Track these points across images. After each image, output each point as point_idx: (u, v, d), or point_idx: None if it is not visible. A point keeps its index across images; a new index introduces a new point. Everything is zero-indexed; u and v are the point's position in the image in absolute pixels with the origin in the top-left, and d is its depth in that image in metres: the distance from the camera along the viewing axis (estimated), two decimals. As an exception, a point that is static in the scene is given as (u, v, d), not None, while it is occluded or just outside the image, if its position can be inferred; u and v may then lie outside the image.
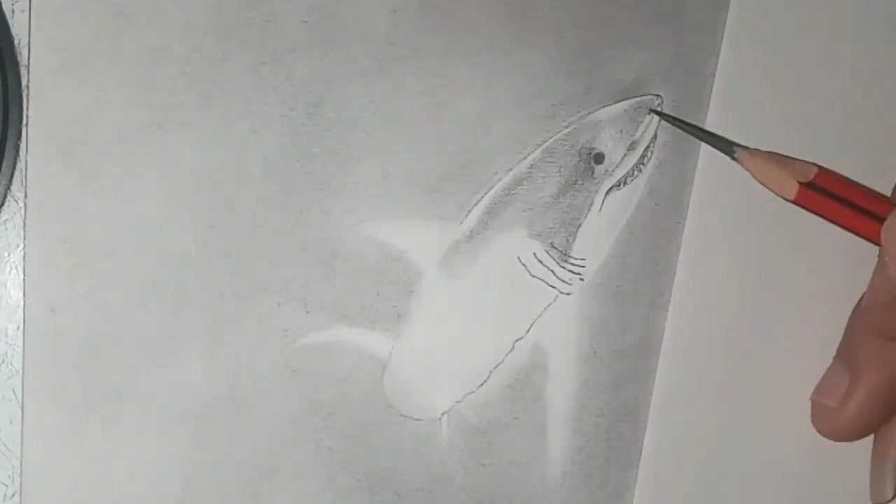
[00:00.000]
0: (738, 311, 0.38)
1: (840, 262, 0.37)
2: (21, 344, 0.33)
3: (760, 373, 0.38)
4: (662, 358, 0.38)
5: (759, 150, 0.35)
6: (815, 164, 0.34)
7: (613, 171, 0.37)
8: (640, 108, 0.37)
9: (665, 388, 0.38)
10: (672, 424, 0.38)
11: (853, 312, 0.35)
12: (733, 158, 0.35)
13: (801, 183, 0.34)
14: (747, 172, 0.35)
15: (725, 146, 0.35)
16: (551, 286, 0.37)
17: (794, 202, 0.34)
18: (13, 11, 0.32)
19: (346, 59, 0.34)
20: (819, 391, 0.35)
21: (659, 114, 0.36)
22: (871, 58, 0.38)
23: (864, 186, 0.35)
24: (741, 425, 0.39)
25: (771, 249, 0.38)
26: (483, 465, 0.38)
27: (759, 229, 0.37)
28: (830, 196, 0.34)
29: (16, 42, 0.32)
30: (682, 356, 0.38)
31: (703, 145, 0.37)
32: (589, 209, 0.37)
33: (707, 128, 0.37)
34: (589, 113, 0.36)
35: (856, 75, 0.38)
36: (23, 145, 0.32)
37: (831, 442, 0.35)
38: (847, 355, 0.34)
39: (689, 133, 0.36)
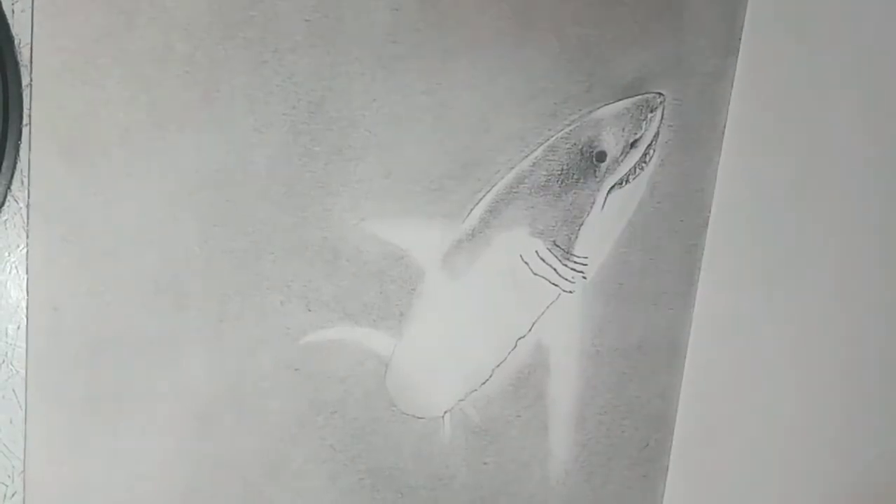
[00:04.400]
0: (761, 309, 0.38)
1: (861, 259, 0.38)
2: (23, 344, 0.33)
3: (782, 368, 0.39)
4: (690, 355, 0.38)
5: None
6: None
7: (616, 168, 0.37)
8: (642, 106, 0.37)
9: (692, 384, 0.38)
10: (700, 418, 0.39)
11: None
12: None
13: None
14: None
15: None
16: (554, 284, 0.37)
17: None
18: (13, 11, 0.32)
19: (348, 57, 0.34)
20: None
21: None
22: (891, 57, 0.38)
23: None
24: (766, 419, 0.39)
25: (792, 248, 0.38)
26: (485, 463, 0.38)
27: (780, 228, 0.37)
28: None
29: (16, 42, 0.32)
30: (708, 353, 0.38)
31: (715, 146, 0.37)
32: (591, 207, 0.37)
33: (728, 123, 0.37)
34: (591, 111, 0.36)
35: (876, 74, 0.38)
36: (24, 145, 0.32)
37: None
38: None
39: None
